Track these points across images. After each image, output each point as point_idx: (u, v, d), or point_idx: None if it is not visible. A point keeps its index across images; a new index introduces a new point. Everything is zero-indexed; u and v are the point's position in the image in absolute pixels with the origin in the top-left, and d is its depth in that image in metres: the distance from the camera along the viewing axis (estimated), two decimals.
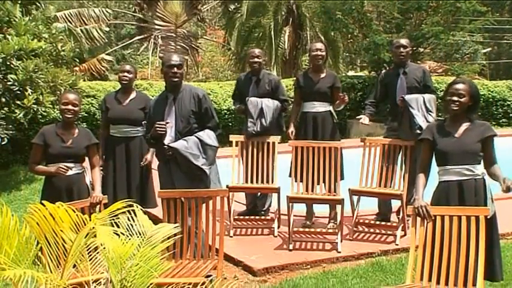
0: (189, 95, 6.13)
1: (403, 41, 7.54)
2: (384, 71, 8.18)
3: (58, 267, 3.72)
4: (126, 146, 7.50)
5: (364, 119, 7.54)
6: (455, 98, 4.87)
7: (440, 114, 7.29)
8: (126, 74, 7.60)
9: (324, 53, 7.75)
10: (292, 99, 8.44)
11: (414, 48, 15.47)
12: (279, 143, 7.78)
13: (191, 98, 6.11)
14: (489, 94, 17.26)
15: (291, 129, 7.70)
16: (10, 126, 9.01)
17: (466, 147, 4.89)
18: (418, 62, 16.33)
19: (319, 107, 7.63)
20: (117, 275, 3.76)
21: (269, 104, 7.70)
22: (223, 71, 27.55)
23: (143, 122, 7.30)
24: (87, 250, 3.89)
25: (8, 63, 8.79)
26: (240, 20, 22.76)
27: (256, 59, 7.93)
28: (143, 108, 7.45)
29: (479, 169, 4.93)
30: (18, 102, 9.18)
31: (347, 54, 22.76)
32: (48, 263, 3.73)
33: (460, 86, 4.89)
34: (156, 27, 23.88)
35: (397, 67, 7.51)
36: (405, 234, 6.98)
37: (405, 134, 7.22)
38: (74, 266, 3.84)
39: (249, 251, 6.75)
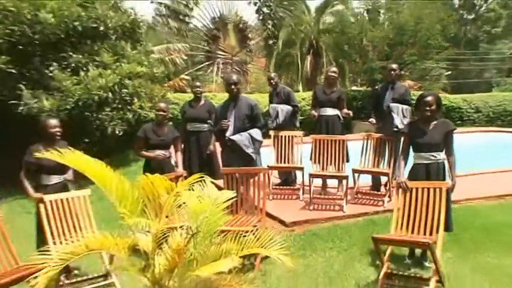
0: (245, 103, 6.21)
1: (394, 66, 7.58)
2: (378, 86, 8.21)
3: (156, 217, 3.86)
4: (197, 137, 7.64)
5: (372, 121, 7.64)
6: (427, 108, 4.92)
7: (415, 116, 7.29)
8: (198, 88, 7.77)
9: (337, 75, 7.93)
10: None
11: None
12: (303, 136, 7.90)
13: (247, 105, 6.19)
14: (449, 104, 17.07)
15: (313, 112, 7.82)
16: (124, 123, 9.22)
17: (432, 139, 4.95)
18: (400, 81, 16.29)
19: (330, 111, 7.66)
20: (194, 224, 3.88)
21: (283, 109, 7.89)
22: (264, 87, 27.49)
23: (208, 121, 7.44)
24: (175, 206, 4.02)
25: (122, 82, 9.00)
26: (276, 50, 22.76)
27: (272, 81, 8.25)
28: (208, 111, 7.59)
29: (442, 155, 4.97)
30: (128, 107, 9.42)
31: (351, 74, 22.66)
32: (150, 214, 3.87)
33: (429, 98, 4.94)
34: (218, 56, 24.01)
35: (387, 83, 7.48)
36: (390, 200, 6.97)
37: (386, 131, 7.24)
38: (167, 216, 3.96)
39: (282, 210, 6.82)
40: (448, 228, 4.94)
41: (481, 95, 18.46)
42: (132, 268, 3.78)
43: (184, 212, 4.03)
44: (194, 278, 3.75)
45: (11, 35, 8.09)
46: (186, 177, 5.26)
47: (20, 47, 8.23)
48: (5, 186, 5.01)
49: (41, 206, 4.87)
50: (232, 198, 4.29)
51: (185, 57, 22.70)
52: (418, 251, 5.25)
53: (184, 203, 3.98)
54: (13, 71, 8.09)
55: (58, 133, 5.17)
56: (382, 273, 4.64)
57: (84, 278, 4.99)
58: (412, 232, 4.72)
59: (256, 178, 5.58)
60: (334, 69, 8.09)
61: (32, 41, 8.27)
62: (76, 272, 5.17)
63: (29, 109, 8.09)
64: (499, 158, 10.77)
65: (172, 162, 6.45)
